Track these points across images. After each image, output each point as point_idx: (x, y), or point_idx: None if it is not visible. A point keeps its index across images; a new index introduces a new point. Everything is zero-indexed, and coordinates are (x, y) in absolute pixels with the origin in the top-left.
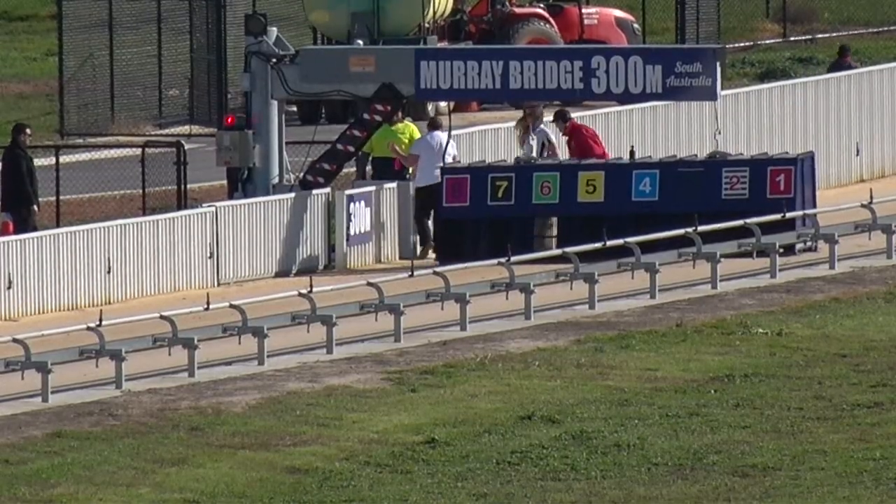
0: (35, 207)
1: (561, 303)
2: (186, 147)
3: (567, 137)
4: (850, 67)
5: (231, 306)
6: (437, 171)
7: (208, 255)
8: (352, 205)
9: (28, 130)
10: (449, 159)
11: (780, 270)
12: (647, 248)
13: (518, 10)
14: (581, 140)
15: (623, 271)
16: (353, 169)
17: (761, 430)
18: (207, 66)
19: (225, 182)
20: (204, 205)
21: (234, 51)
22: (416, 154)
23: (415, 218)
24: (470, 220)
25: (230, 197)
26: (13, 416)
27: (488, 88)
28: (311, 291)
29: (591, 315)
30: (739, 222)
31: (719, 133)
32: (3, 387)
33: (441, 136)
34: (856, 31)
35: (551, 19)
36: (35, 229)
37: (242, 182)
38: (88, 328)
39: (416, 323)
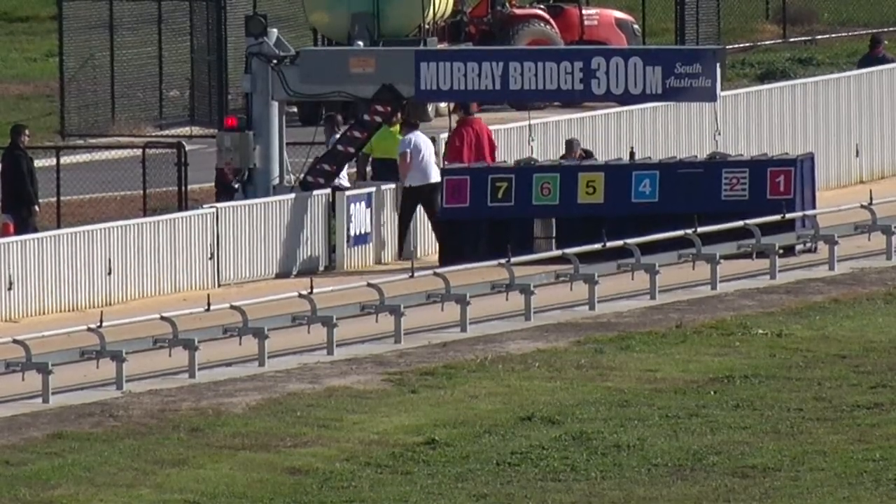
0: (35, 208)
1: (561, 304)
2: (187, 148)
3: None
4: (884, 59)
5: (232, 307)
6: (431, 171)
7: (209, 256)
8: (352, 206)
9: (27, 131)
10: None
11: (779, 271)
12: (647, 249)
13: (518, 12)
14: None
15: (623, 272)
16: (354, 170)
17: (761, 430)
18: (208, 68)
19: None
20: (204, 206)
21: (235, 52)
22: (406, 151)
23: (402, 218)
24: (470, 221)
25: (217, 200)
26: (14, 417)
27: (488, 89)
28: (311, 292)
29: (590, 316)
30: (739, 223)
31: (719, 134)
32: (4, 388)
33: (421, 134)
34: (855, 32)
35: (551, 20)
36: (35, 230)
37: (243, 184)
38: (89, 329)
39: (416, 324)
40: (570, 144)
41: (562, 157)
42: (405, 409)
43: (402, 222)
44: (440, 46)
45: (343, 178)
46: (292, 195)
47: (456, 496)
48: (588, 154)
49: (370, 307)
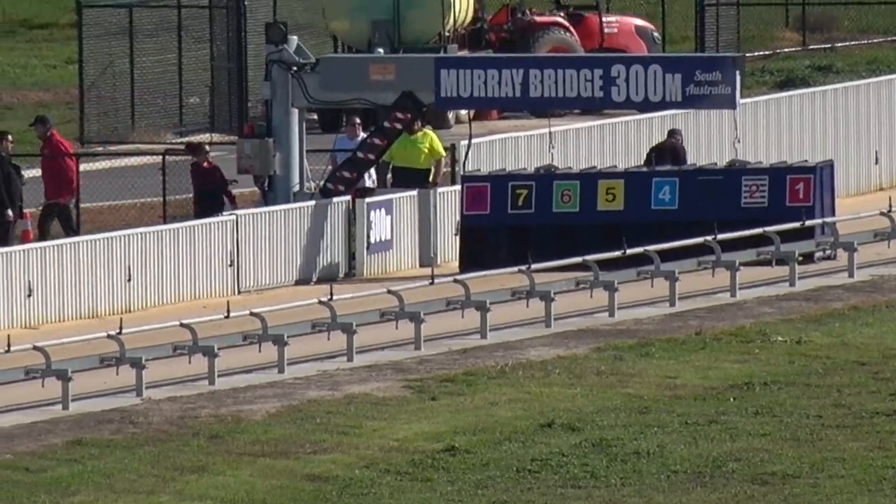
0: (9, 213)
1: (581, 311)
2: None
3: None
4: None
5: (251, 314)
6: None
7: (229, 263)
8: (372, 213)
9: (10, 137)
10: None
11: (799, 279)
12: (667, 256)
13: (538, 19)
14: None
15: (643, 279)
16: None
17: (780, 437)
18: (228, 75)
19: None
20: (224, 213)
21: (255, 59)
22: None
23: None
24: (490, 228)
25: (200, 214)
26: (33, 424)
27: (508, 97)
28: (331, 299)
29: (610, 323)
30: (758, 230)
31: (739, 141)
32: (24, 394)
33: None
34: (875, 40)
35: (571, 28)
36: (6, 239)
37: (264, 191)
38: (109, 336)
39: (436, 331)
40: None
41: None
42: (425, 415)
43: None
44: (460, 54)
45: (368, 180)
46: (312, 202)
47: (476, 503)
48: None
49: (390, 314)
